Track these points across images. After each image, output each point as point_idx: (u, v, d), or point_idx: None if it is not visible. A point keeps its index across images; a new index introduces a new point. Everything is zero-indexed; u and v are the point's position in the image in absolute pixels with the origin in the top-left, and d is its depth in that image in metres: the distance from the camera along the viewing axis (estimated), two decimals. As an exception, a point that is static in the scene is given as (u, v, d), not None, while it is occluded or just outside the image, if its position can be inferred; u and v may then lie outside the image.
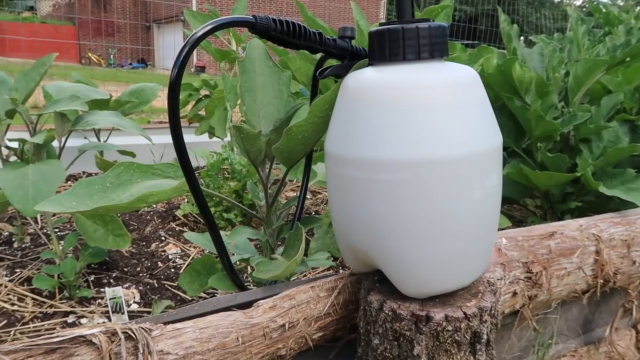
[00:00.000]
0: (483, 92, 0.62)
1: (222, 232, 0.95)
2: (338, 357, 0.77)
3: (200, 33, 0.55)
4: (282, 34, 0.59)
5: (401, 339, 0.61)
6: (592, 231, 1.02)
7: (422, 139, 0.55)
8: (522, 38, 1.85)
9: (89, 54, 16.59)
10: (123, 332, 0.56)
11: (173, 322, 0.61)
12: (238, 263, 0.93)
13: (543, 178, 1.27)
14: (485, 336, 0.62)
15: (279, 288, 0.71)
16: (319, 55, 0.71)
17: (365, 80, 0.60)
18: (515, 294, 0.93)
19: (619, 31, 1.76)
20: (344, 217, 0.64)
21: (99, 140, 1.71)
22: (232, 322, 0.63)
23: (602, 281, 1.05)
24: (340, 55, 0.66)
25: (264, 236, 0.85)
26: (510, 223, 1.33)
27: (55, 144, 1.17)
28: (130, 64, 16.46)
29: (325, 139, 0.65)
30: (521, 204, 1.68)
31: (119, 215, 1.49)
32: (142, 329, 0.57)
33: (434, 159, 0.55)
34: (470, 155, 0.57)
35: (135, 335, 0.56)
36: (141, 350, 0.56)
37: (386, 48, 0.59)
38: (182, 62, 0.53)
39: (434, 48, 0.59)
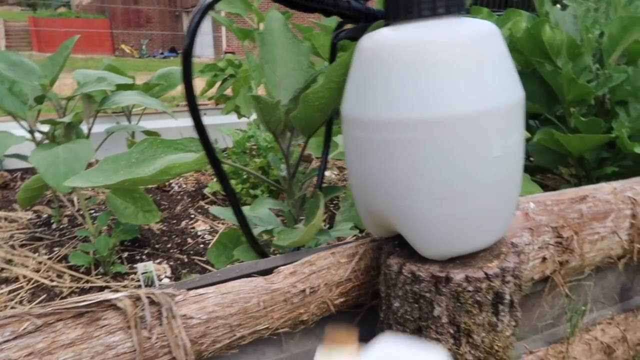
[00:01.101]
0: (502, 46, 0.59)
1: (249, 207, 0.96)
2: (362, 323, 0.78)
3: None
4: (294, -3, 0.59)
5: (421, 301, 0.61)
6: (628, 194, 0.98)
7: (440, 96, 0.54)
8: (558, 6, 1.77)
9: (122, 46, 16.92)
10: (147, 297, 0.57)
11: (196, 288, 0.62)
12: (263, 235, 0.94)
13: (576, 142, 1.23)
14: (507, 297, 0.61)
15: (299, 255, 0.71)
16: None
17: (381, 39, 0.59)
18: (544, 259, 0.91)
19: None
20: (362, 180, 0.63)
21: (129, 123, 1.75)
22: (254, 287, 0.64)
23: (639, 246, 1.02)
24: (355, 18, 0.65)
25: (286, 207, 0.85)
26: (542, 190, 1.29)
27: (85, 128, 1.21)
28: (162, 53, 16.71)
29: (342, 102, 0.65)
30: (555, 173, 1.63)
31: (150, 195, 1.53)
32: (166, 294, 0.59)
33: (452, 116, 0.54)
34: (490, 111, 0.55)
35: (159, 300, 0.58)
36: (165, 315, 0.58)
37: (400, 6, 0.58)
38: (194, 29, 0.54)
39: (450, 3, 0.57)
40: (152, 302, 0.58)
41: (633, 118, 1.33)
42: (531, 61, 1.43)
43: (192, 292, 0.61)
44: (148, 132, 1.34)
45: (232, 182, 1.37)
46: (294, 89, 0.90)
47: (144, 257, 1.14)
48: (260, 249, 0.70)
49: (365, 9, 0.64)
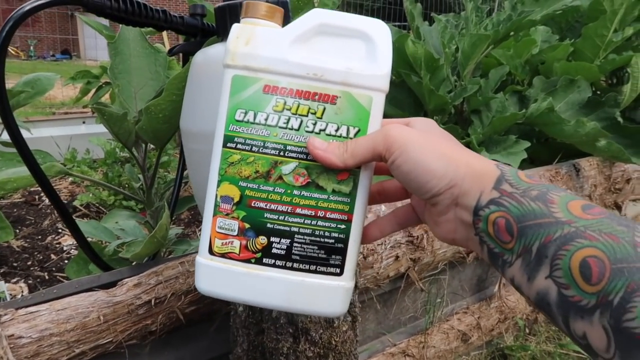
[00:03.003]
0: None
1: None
2: (218, 331, 0.79)
3: (27, 8, 0.54)
4: (119, 12, 0.59)
5: (260, 304, 0.63)
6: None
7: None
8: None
9: (6, 46, 15.51)
10: (-35, 319, 0.55)
11: (27, 306, 0.60)
12: (123, 248, 0.93)
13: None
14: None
15: (147, 266, 0.71)
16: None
17: (209, 55, 0.61)
18: (397, 257, 0.98)
19: (505, 6, 1.86)
20: (200, 190, 0.65)
21: (-8, 133, 1.62)
22: (93, 301, 0.63)
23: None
24: (191, 33, 0.67)
25: (142, 218, 0.85)
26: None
27: None
28: (53, 55, 15.58)
29: (180, 115, 0.66)
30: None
31: (16, 210, 1.44)
32: (-12, 315, 0.56)
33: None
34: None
35: (-20, 322, 0.55)
36: (-12, 336, 0.55)
37: (228, 24, 0.60)
38: (4, 39, 0.52)
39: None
40: (-27, 325, 0.55)
41: (485, 125, 1.47)
42: (399, 72, 1.54)
43: (22, 311, 0.59)
44: (5, 144, 1.26)
45: (105, 193, 1.32)
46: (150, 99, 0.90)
47: (-1, 277, 1.07)
48: (102, 263, 0.69)
49: (201, 25, 0.66)
